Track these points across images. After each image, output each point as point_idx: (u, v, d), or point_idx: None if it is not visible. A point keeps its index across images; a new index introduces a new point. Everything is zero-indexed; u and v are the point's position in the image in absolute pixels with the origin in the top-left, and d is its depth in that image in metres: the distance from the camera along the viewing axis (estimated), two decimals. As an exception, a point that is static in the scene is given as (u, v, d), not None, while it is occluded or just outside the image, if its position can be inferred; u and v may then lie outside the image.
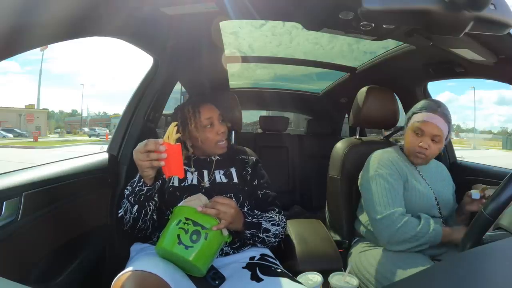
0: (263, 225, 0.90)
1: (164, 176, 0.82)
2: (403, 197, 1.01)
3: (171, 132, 0.77)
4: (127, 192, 0.85)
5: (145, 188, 0.82)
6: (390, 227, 0.95)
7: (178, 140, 0.79)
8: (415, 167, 1.09)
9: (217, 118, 1.01)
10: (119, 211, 0.88)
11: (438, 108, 1.02)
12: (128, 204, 0.84)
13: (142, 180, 0.81)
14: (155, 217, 0.88)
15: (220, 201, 0.79)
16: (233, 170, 1.02)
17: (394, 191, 1.00)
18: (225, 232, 0.78)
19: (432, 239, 0.93)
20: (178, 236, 0.72)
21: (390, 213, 0.96)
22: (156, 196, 0.86)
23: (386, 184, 1.01)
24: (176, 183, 0.96)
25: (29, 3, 0.51)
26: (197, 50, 1.34)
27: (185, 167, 1.00)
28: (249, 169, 1.05)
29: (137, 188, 0.82)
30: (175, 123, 0.80)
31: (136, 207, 0.83)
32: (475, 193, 0.92)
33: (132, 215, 0.84)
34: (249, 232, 0.86)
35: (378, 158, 1.07)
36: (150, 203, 0.85)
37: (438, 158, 1.27)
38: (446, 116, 1.01)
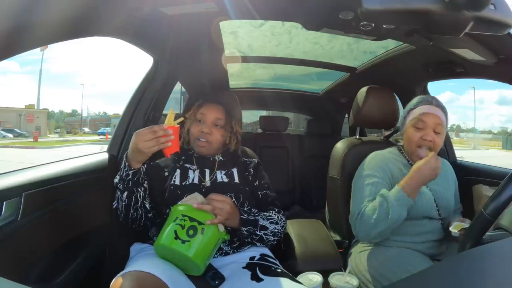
0: (260, 223, 0.90)
1: (166, 171, 0.96)
2: None
3: (170, 118, 0.84)
4: (116, 181, 0.87)
5: (131, 172, 0.84)
6: (358, 223, 0.98)
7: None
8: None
9: (211, 120, 1.02)
10: (113, 203, 0.90)
11: (433, 100, 1.05)
12: (119, 192, 0.87)
13: (127, 165, 0.84)
14: (147, 205, 0.89)
15: (215, 197, 0.81)
16: (234, 171, 1.03)
17: (365, 192, 1.01)
18: (221, 228, 0.78)
19: (398, 204, 0.90)
20: (175, 231, 0.73)
21: (356, 212, 0.99)
22: (145, 182, 0.88)
23: (362, 186, 1.04)
24: (177, 182, 0.96)
25: (29, 3, 0.51)
26: (197, 50, 1.34)
27: (187, 165, 1.01)
28: (251, 170, 1.05)
29: (124, 174, 0.85)
30: (172, 110, 0.86)
31: (126, 193, 0.85)
32: (454, 232, 0.91)
33: (123, 203, 0.86)
34: (245, 229, 0.87)
35: (368, 160, 1.10)
36: (139, 189, 0.86)
37: (440, 156, 1.27)
38: (442, 108, 1.04)
